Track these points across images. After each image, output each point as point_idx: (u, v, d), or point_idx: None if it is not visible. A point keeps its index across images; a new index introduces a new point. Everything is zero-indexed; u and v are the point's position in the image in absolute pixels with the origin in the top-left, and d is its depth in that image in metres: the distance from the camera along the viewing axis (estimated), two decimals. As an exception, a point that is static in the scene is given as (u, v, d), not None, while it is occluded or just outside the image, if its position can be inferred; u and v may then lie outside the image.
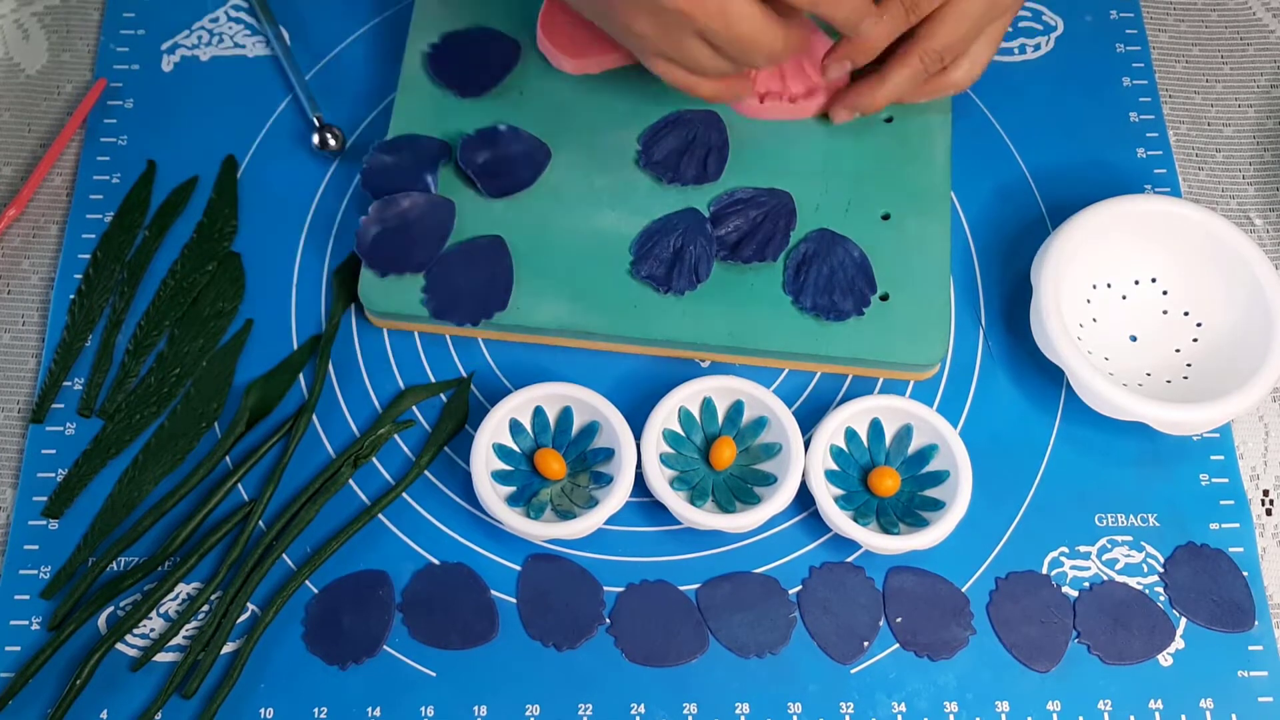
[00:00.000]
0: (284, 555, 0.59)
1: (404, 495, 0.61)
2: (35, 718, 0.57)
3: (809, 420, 0.61)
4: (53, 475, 0.61)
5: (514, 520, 0.58)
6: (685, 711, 0.57)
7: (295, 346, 0.64)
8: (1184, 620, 0.59)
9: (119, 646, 0.58)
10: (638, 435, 0.59)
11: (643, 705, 0.57)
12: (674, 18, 0.55)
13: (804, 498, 0.60)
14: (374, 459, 0.62)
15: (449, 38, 0.68)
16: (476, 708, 0.57)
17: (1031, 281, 0.61)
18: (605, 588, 0.59)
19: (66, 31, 0.73)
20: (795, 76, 0.65)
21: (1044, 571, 0.60)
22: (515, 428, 0.61)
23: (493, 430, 0.59)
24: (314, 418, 0.62)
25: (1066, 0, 0.73)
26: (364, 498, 0.61)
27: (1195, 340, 0.62)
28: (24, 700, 0.57)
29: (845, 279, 0.61)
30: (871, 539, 0.57)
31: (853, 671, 0.58)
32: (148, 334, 0.64)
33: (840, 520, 0.58)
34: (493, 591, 0.59)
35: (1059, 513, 0.61)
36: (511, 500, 0.59)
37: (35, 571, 0.59)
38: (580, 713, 0.57)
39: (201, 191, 0.68)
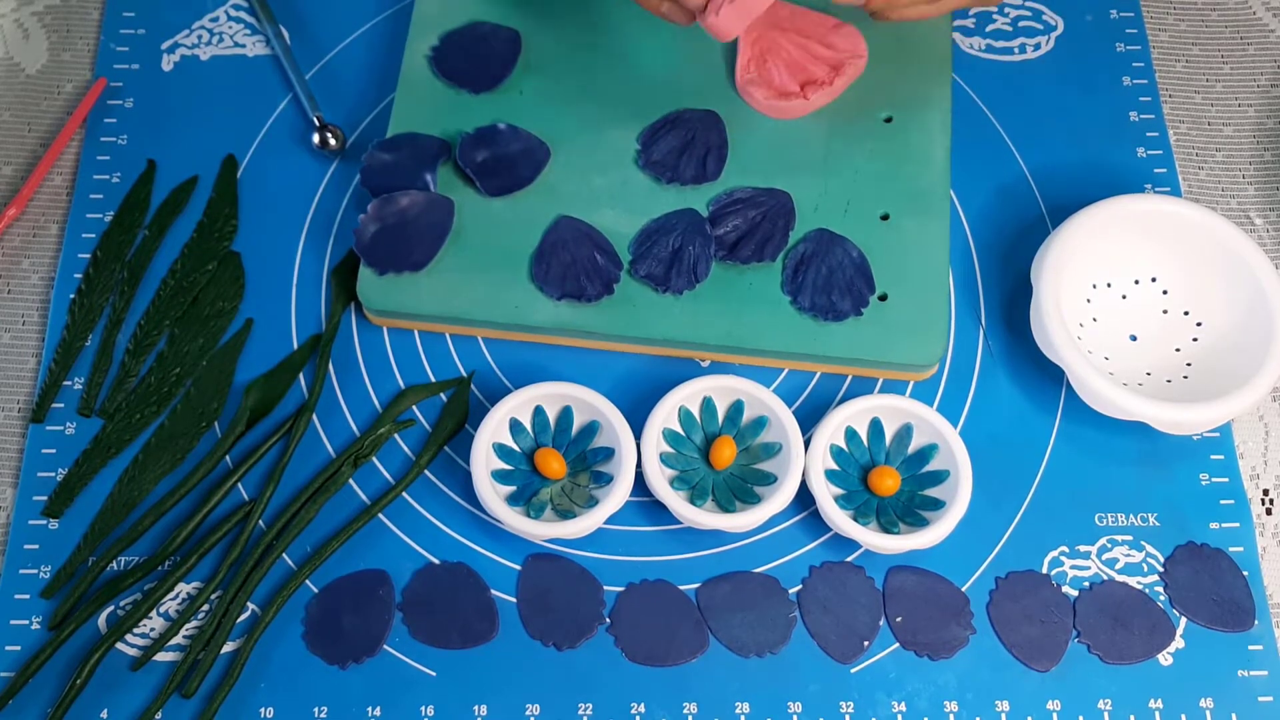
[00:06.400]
0: (284, 555, 0.59)
1: (404, 495, 0.61)
2: (35, 717, 0.57)
3: (809, 420, 0.61)
4: (53, 475, 0.61)
5: (514, 520, 0.58)
6: (685, 711, 0.57)
7: (295, 346, 0.64)
8: (1184, 620, 0.59)
9: (119, 646, 0.58)
10: (638, 435, 0.59)
11: (643, 705, 0.57)
12: None
13: (804, 497, 0.60)
14: (374, 459, 0.62)
15: (450, 36, 0.67)
16: (476, 707, 0.57)
17: (1031, 281, 0.61)
18: (605, 587, 0.59)
19: (66, 31, 0.73)
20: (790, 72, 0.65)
21: (1044, 571, 0.60)
22: (515, 427, 0.61)
23: (493, 430, 0.59)
24: (314, 417, 0.62)
25: (1066, 0, 0.73)
26: (364, 497, 0.61)
27: (1195, 340, 0.62)
28: (24, 700, 0.57)
29: (844, 279, 0.61)
30: (871, 538, 0.57)
31: (853, 671, 0.58)
32: (148, 333, 0.64)
33: (840, 520, 0.58)
34: (493, 591, 0.59)
35: (1059, 512, 0.61)
36: (511, 500, 0.59)
37: (35, 571, 0.59)
38: (580, 712, 0.57)
39: (201, 191, 0.68)
